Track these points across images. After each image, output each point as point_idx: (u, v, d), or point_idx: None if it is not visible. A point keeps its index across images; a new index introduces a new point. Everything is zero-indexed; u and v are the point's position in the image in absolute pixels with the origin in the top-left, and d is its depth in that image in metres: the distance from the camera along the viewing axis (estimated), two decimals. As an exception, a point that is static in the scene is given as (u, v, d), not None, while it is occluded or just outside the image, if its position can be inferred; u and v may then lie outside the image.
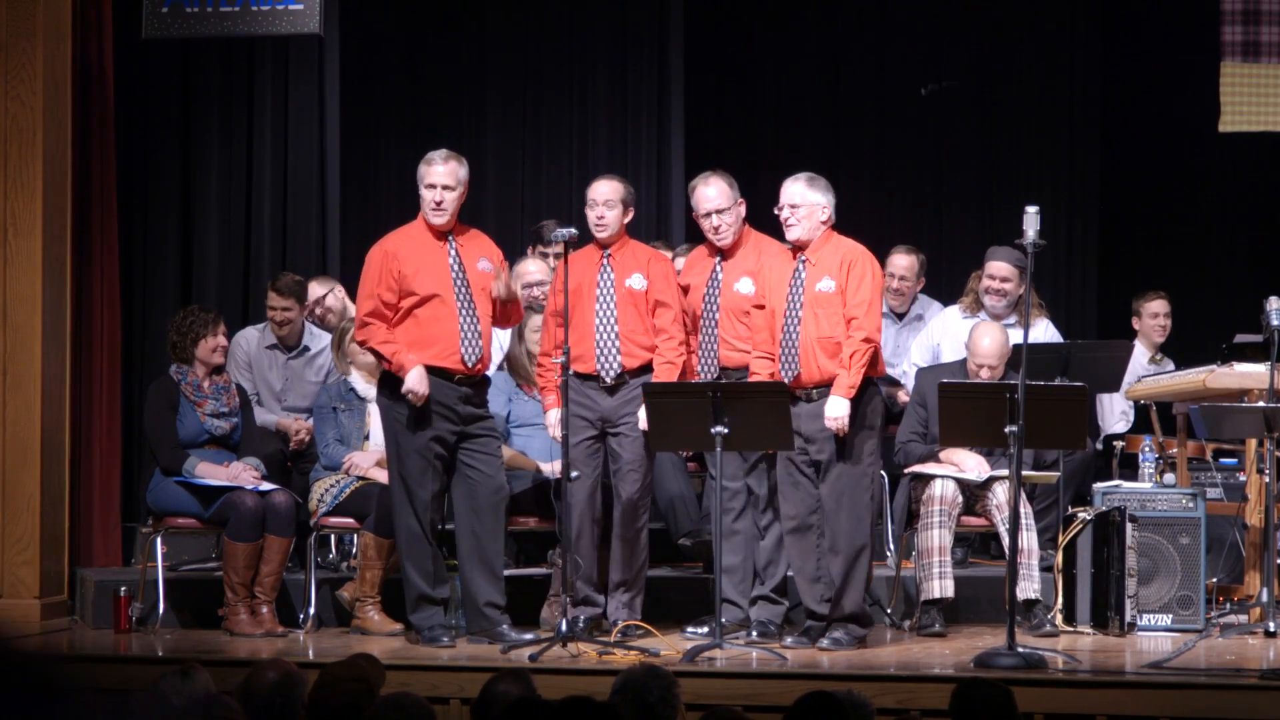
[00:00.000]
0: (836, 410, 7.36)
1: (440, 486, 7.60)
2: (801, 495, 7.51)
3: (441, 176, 7.65)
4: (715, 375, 7.85)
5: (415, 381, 7.52)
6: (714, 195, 7.94)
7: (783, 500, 7.58)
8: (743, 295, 7.84)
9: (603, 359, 7.80)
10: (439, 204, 7.63)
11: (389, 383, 7.65)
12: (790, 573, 7.75)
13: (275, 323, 8.96)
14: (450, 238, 7.70)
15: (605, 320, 7.82)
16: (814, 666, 7.05)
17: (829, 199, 7.56)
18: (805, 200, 7.55)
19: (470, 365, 7.61)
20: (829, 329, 7.44)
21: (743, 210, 7.97)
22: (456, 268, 7.64)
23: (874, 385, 7.58)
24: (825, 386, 7.43)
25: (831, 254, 7.53)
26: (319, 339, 9.06)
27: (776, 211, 7.60)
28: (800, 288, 7.50)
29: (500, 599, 7.62)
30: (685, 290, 8.06)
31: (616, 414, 7.81)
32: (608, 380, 7.81)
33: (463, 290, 7.63)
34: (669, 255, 9.09)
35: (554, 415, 7.74)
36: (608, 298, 7.85)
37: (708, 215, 7.96)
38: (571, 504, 7.60)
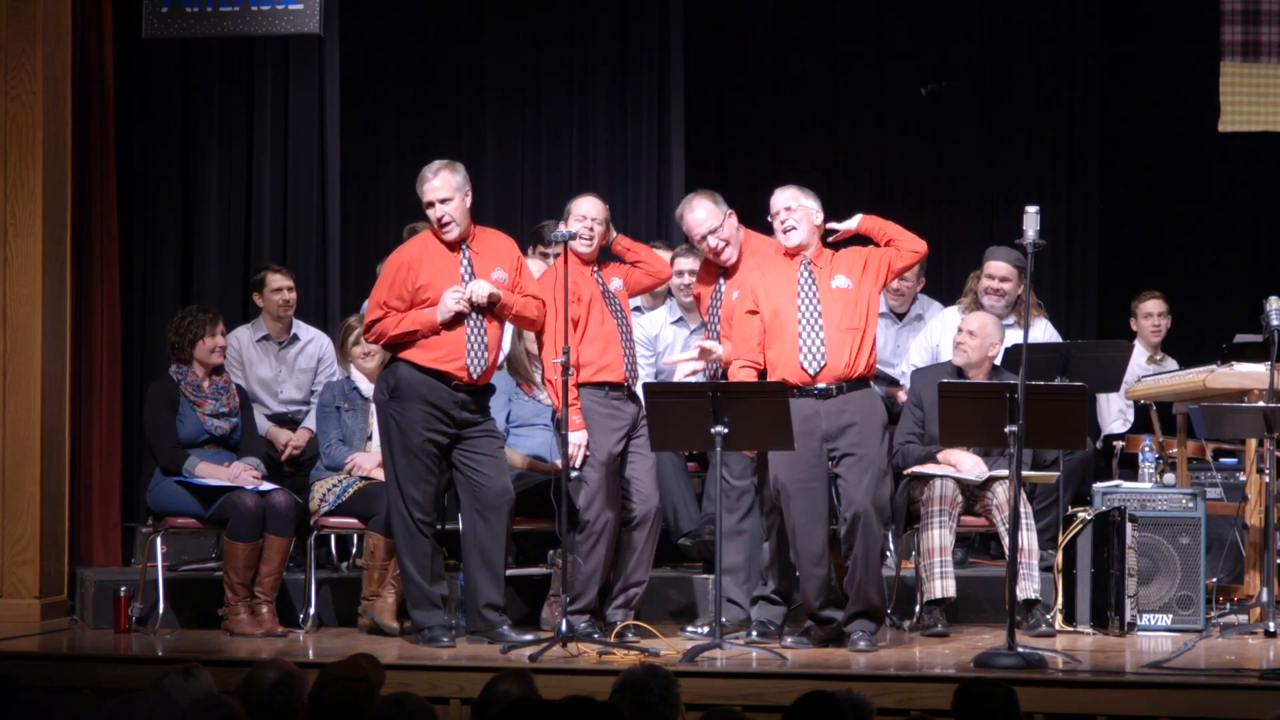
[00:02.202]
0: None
1: (434, 487, 7.59)
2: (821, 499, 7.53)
3: (437, 190, 7.57)
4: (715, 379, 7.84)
5: (463, 294, 7.47)
6: (704, 216, 7.87)
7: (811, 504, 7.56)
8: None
9: (631, 367, 7.79)
10: (441, 220, 7.58)
11: (385, 382, 7.63)
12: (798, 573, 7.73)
13: (281, 304, 9.02)
14: (465, 246, 7.66)
15: (626, 330, 7.80)
16: (814, 666, 7.04)
17: (819, 205, 7.61)
18: (800, 204, 7.59)
19: (473, 376, 7.58)
20: (852, 320, 7.48)
21: (734, 220, 7.94)
22: (468, 278, 7.59)
23: (875, 386, 7.61)
24: (846, 382, 7.45)
25: (832, 257, 7.58)
26: (305, 329, 9.15)
27: (770, 219, 7.61)
28: (813, 286, 7.51)
29: (500, 600, 7.60)
30: (697, 299, 8.08)
31: (639, 418, 7.77)
32: (635, 387, 7.79)
33: None
34: (668, 255, 9.10)
35: (579, 437, 7.59)
36: (617, 309, 7.82)
37: (703, 238, 7.91)
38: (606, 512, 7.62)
